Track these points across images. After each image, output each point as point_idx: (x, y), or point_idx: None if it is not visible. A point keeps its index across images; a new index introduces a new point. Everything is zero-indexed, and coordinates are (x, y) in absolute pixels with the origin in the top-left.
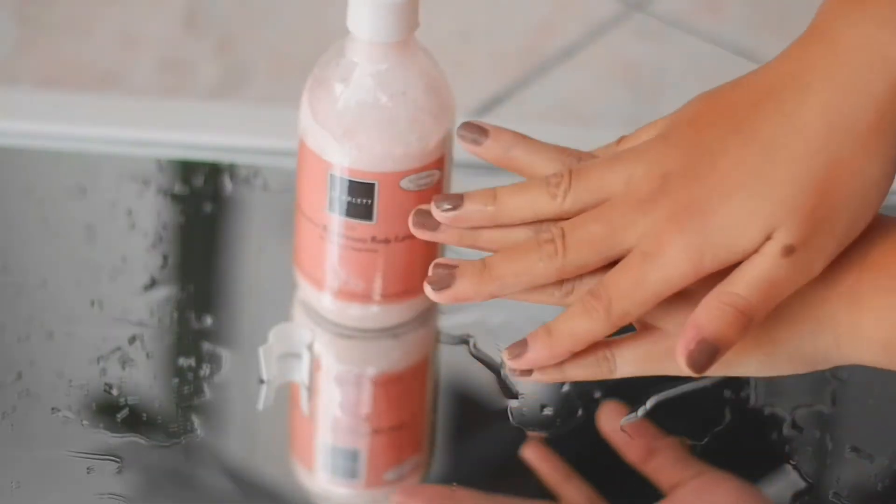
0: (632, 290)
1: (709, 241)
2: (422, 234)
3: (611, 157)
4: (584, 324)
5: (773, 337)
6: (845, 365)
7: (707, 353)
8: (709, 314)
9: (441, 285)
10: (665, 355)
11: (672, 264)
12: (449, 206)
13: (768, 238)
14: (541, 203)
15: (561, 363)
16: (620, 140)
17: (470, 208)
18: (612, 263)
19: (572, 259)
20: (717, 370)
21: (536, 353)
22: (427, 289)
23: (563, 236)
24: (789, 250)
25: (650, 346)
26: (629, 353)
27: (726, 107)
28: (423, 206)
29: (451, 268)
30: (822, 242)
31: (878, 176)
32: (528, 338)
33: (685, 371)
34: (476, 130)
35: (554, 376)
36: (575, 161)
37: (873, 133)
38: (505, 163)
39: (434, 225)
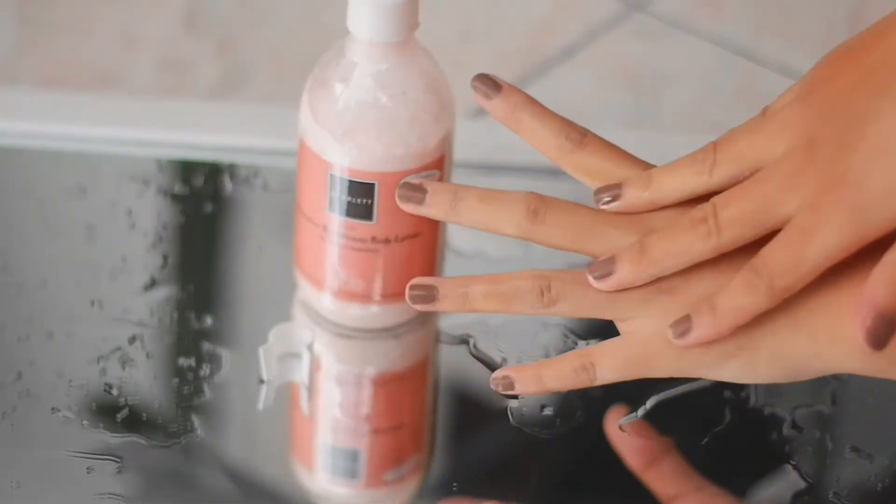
0: (793, 265)
1: (868, 211)
2: (409, 208)
3: (753, 126)
4: (748, 299)
5: (754, 342)
6: (826, 374)
7: (886, 326)
8: (879, 286)
9: (603, 273)
10: (646, 359)
11: (832, 238)
12: (609, 198)
13: None
14: (690, 180)
15: (541, 374)
16: (765, 110)
17: (630, 196)
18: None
19: (728, 237)
20: (698, 372)
21: (702, 330)
22: (589, 279)
23: (716, 214)
24: None
25: (629, 349)
26: (609, 360)
27: (868, 69)
28: (411, 179)
29: (610, 259)
30: None
31: None
32: (692, 314)
33: (665, 374)
34: (489, 84)
35: (534, 388)
36: (579, 136)
37: None
38: (510, 124)
39: (420, 199)
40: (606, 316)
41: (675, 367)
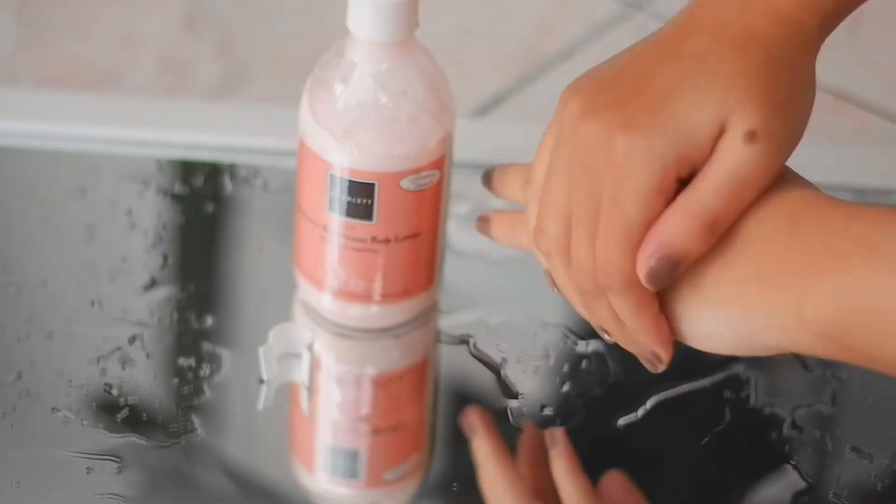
0: (612, 243)
1: (665, 142)
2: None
3: (534, 194)
4: (619, 306)
5: (713, 312)
6: (782, 352)
7: (668, 268)
8: (671, 226)
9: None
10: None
11: (636, 182)
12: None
13: (723, 130)
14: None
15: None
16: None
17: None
18: None
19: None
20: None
21: (658, 361)
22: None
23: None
24: (751, 136)
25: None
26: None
27: (636, 56)
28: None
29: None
30: (781, 129)
31: (808, 76)
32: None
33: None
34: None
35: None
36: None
37: (785, 40)
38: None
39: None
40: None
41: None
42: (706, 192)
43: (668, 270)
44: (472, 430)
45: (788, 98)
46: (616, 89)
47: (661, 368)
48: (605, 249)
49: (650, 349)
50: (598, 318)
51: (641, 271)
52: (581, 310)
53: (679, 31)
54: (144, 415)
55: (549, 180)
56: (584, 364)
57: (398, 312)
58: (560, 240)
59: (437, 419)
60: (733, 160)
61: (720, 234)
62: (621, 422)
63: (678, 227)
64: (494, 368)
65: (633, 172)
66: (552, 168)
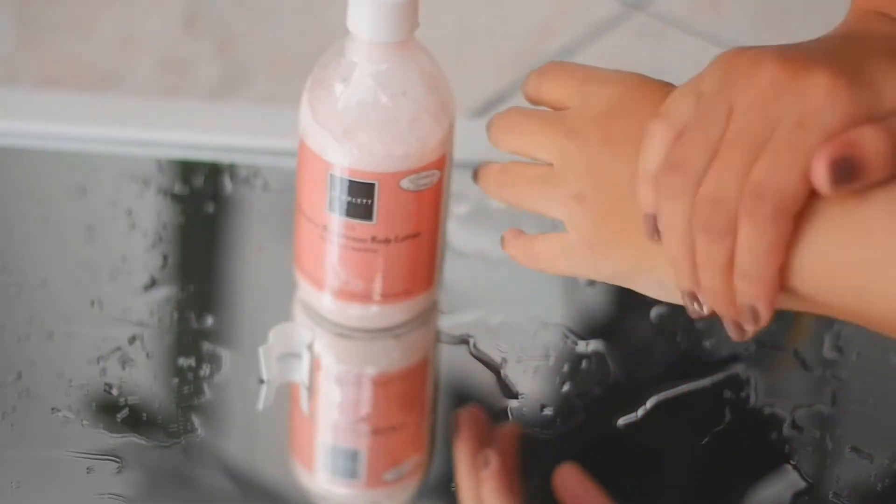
0: (781, 162)
1: (867, 95)
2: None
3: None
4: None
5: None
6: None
7: (848, 167)
8: (864, 131)
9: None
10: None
11: (830, 116)
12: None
13: None
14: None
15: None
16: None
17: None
18: None
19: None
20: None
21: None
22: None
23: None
24: None
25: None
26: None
27: (799, 46)
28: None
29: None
30: None
31: None
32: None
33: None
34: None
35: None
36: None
37: None
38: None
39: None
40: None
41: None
42: None
43: (846, 170)
44: (457, 429)
45: None
46: (797, 50)
47: (750, 333)
48: (770, 169)
49: (752, 304)
50: (708, 264)
51: (823, 161)
52: (681, 261)
53: (847, 30)
54: (144, 415)
55: (702, 116)
56: (584, 364)
57: (398, 312)
58: (699, 174)
59: (437, 419)
60: None
61: None
62: (621, 422)
63: (869, 132)
64: (494, 368)
65: (831, 107)
66: (708, 104)
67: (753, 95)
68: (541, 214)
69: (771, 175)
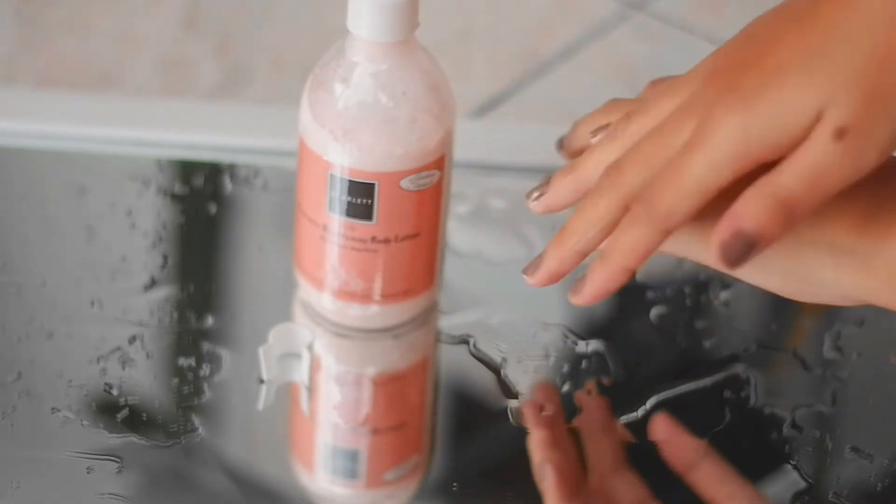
0: (674, 181)
1: (755, 119)
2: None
3: (664, 89)
4: (631, 234)
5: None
6: (838, 301)
7: (742, 245)
8: (747, 203)
9: (532, 269)
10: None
11: (716, 145)
12: (538, 194)
13: (819, 119)
14: (609, 152)
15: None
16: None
17: (556, 187)
18: None
19: (631, 182)
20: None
21: (594, 283)
22: (525, 279)
23: (618, 165)
24: (840, 133)
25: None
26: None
27: (786, 7)
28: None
29: (537, 262)
30: (876, 127)
31: None
32: (588, 270)
33: (717, 264)
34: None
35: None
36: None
37: None
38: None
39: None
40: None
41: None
42: (786, 175)
43: (740, 248)
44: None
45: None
46: (744, 51)
47: (580, 300)
48: (656, 185)
49: (594, 277)
50: (591, 209)
51: (714, 246)
52: (568, 181)
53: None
54: (144, 415)
55: (653, 102)
56: (584, 364)
57: (398, 312)
58: (626, 139)
59: (437, 419)
60: (817, 151)
61: (797, 222)
62: (621, 422)
63: (752, 202)
64: (494, 368)
65: (716, 138)
66: (661, 95)
67: (681, 108)
68: None
69: (654, 190)
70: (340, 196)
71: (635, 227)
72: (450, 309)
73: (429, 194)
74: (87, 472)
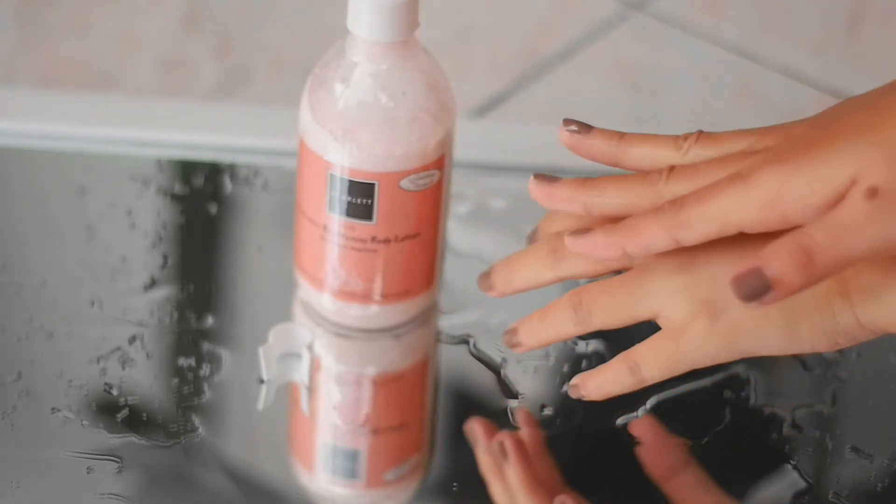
0: (704, 198)
1: (794, 172)
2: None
3: (744, 130)
4: (645, 221)
5: (793, 305)
6: (867, 337)
7: (758, 284)
8: (772, 245)
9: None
10: (684, 348)
11: (751, 185)
12: (576, 129)
13: (854, 183)
14: (663, 153)
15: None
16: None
17: (597, 138)
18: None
19: (671, 189)
20: (740, 348)
21: (595, 241)
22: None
23: (681, 203)
24: (872, 192)
25: (668, 342)
26: (652, 358)
27: (863, 95)
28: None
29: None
30: None
31: None
32: (595, 229)
33: (707, 360)
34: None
35: (594, 396)
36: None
37: None
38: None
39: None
40: (640, 314)
41: (713, 347)
42: (815, 227)
43: (756, 287)
44: (474, 439)
45: None
46: (807, 123)
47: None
48: (690, 196)
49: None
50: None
51: (731, 279)
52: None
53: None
54: (144, 415)
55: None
56: (584, 364)
57: (398, 312)
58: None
59: (437, 419)
60: (847, 208)
61: (818, 273)
62: (621, 422)
63: (778, 244)
64: (494, 368)
65: (755, 178)
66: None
67: (743, 149)
68: None
69: (687, 196)
70: (340, 196)
71: (653, 219)
72: (450, 309)
73: (429, 194)
74: (87, 472)
